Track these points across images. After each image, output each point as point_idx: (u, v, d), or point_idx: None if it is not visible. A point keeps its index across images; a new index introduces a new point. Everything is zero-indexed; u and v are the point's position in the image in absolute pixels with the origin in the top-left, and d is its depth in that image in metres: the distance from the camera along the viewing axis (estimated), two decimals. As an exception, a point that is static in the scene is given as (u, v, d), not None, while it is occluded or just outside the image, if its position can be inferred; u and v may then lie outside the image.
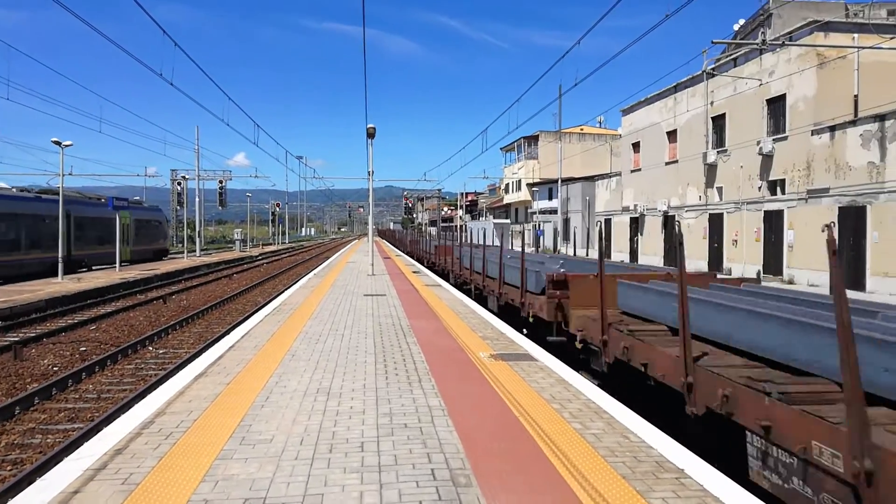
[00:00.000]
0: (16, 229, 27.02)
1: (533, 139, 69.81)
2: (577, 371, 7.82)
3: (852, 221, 22.77)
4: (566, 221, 51.58)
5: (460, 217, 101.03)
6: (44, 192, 31.83)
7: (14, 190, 30.55)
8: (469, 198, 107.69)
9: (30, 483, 4.67)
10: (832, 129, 24.16)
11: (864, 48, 24.17)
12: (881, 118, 21.89)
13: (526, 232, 62.94)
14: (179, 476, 4.33)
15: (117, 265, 32.13)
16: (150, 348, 13.97)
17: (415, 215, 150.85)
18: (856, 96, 25.16)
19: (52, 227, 27.86)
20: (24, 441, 8.04)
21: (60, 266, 25.69)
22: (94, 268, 33.60)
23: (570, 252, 49.45)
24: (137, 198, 51.29)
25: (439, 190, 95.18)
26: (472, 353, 8.65)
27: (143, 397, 6.89)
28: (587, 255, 47.39)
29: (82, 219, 33.67)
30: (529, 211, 66.23)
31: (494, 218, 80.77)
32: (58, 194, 26.82)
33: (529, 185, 66.31)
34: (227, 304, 21.82)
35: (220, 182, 58.26)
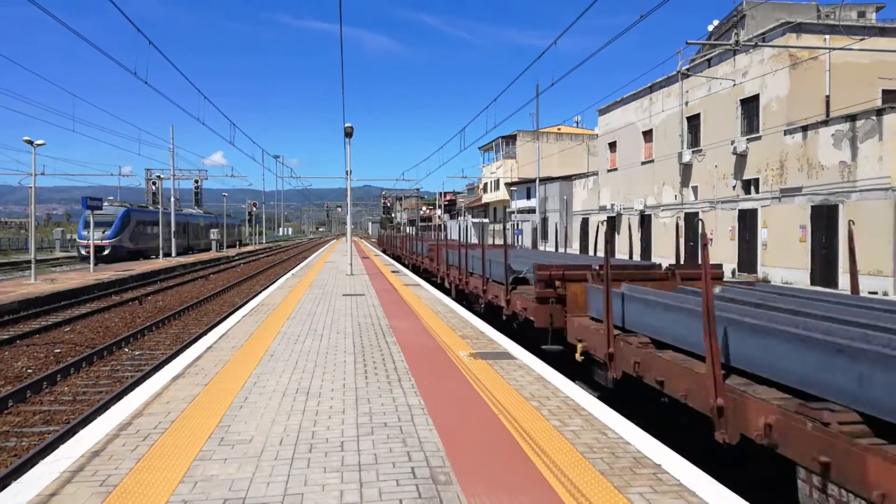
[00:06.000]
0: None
1: (511, 139, 70.06)
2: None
3: (825, 220, 23.16)
4: (544, 220, 51.81)
5: (439, 217, 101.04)
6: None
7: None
8: (447, 197, 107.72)
9: (4, 486, 4.62)
10: (804, 128, 24.54)
11: (835, 49, 24.58)
12: (852, 118, 22.28)
13: (506, 231, 63.12)
14: (158, 477, 4.31)
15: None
16: (126, 350, 13.81)
17: (393, 215, 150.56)
18: (827, 97, 25.59)
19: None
20: (-3, 445, 7.92)
21: (33, 267, 25.31)
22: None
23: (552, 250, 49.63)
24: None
25: (417, 189, 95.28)
26: (451, 352, 8.68)
27: (120, 399, 6.82)
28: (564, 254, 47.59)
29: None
30: (508, 210, 66.43)
31: (473, 217, 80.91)
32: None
33: (507, 185, 66.54)
34: (203, 304, 21.64)
35: (196, 182, 57.68)
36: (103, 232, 40.44)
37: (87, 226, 38.91)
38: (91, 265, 30.24)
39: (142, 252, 45.35)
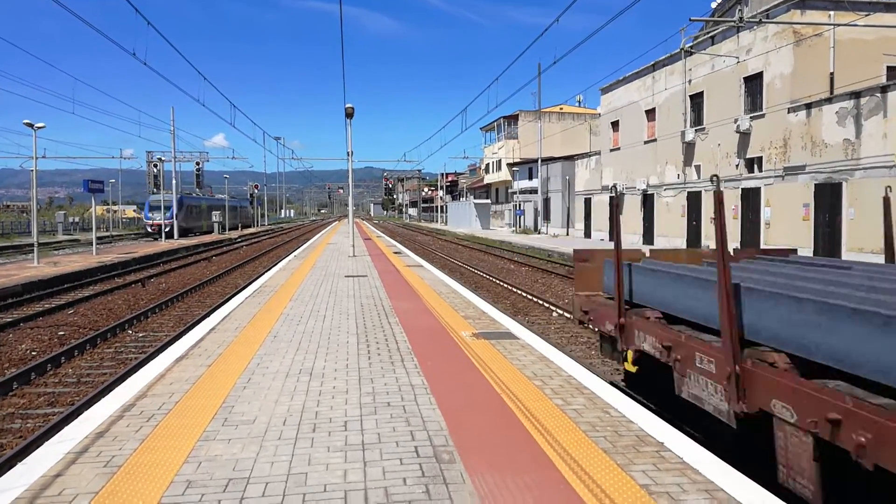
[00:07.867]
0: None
1: (513, 119, 69.69)
2: None
3: (828, 198, 23.05)
4: (546, 201, 51.69)
5: (441, 198, 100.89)
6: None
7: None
8: (449, 178, 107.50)
9: (10, 467, 4.64)
10: (808, 106, 24.35)
11: (839, 25, 24.33)
12: (856, 95, 22.10)
13: (507, 212, 63.05)
14: (162, 458, 4.33)
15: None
16: (130, 332, 13.85)
17: (395, 196, 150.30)
18: (832, 73, 25.36)
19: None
20: (3, 426, 7.95)
21: (36, 250, 25.35)
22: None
23: (552, 232, 49.51)
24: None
25: (419, 171, 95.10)
26: (454, 333, 8.69)
27: (124, 380, 6.84)
28: (567, 234, 47.61)
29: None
30: (510, 191, 66.24)
31: (475, 198, 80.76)
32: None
33: (509, 165, 66.30)
34: (206, 286, 21.67)
35: (197, 164, 57.60)
36: (164, 214, 50.25)
37: (151, 209, 52.97)
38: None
39: (192, 230, 56.90)
